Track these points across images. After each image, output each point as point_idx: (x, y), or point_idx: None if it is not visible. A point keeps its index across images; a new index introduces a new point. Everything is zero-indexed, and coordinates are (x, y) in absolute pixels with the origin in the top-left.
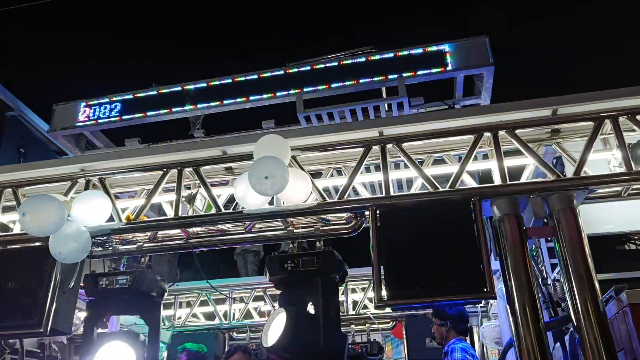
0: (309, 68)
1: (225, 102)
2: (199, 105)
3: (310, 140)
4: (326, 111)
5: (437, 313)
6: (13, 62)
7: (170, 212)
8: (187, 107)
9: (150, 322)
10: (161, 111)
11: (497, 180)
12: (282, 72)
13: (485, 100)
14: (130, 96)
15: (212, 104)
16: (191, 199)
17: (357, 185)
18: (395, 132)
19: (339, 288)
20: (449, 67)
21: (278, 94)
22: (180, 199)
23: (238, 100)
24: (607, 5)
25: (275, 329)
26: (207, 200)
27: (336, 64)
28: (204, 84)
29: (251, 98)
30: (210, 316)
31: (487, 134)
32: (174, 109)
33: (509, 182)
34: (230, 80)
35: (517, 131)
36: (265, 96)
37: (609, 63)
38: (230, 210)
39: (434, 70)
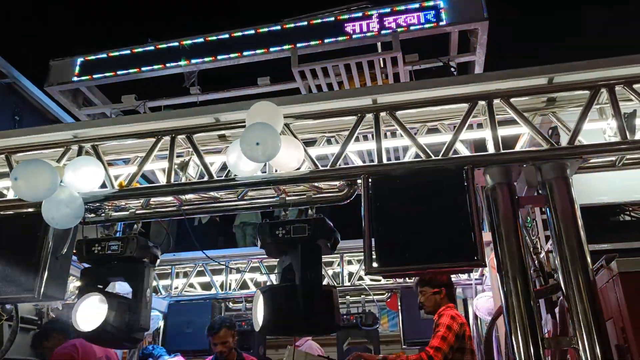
0: (304, 23)
1: (220, 57)
2: (194, 60)
3: (303, 108)
4: (320, 66)
5: (429, 281)
6: (7, 28)
7: (163, 180)
8: (182, 62)
9: (135, 287)
10: (156, 66)
11: (490, 149)
12: (277, 27)
13: (480, 57)
14: (127, 52)
15: (208, 59)
16: (184, 167)
17: (350, 153)
18: (389, 100)
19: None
20: (443, 22)
21: (272, 49)
22: (173, 166)
23: (232, 55)
24: None
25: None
26: (200, 167)
27: (332, 19)
28: (201, 39)
29: (245, 53)
30: (206, 286)
31: (482, 103)
32: (169, 64)
33: (502, 151)
34: (227, 36)
35: (512, 100)
36: (259, 51)
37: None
38: (223, 178)
39: (427, 26)
